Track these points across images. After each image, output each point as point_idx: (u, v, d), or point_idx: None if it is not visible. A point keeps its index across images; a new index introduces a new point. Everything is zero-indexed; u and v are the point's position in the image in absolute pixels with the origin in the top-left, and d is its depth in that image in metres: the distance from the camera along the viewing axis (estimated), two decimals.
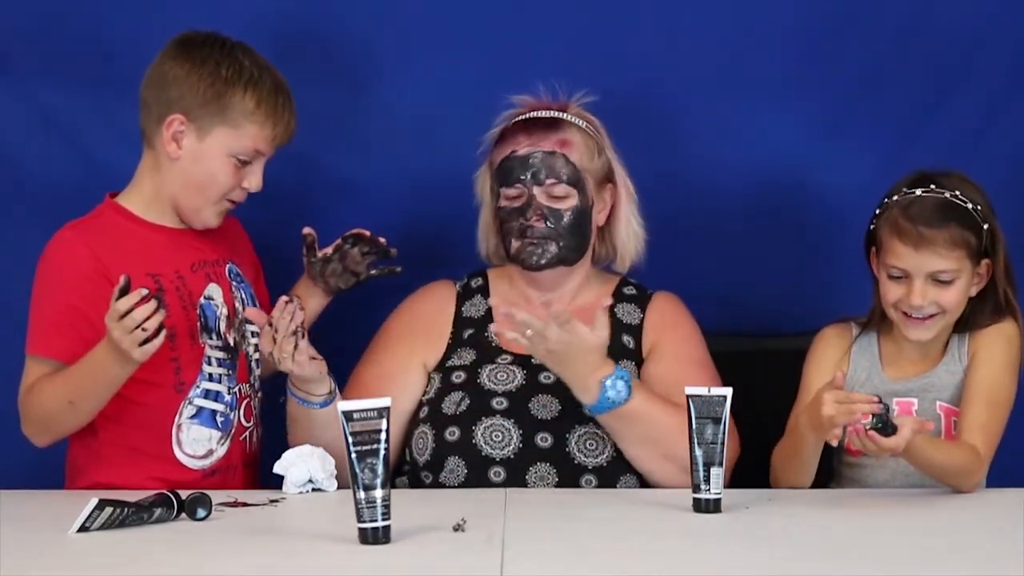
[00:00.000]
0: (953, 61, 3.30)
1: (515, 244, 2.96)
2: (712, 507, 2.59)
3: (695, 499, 2.60)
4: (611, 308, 3.00)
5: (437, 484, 2.88)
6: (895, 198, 2.84)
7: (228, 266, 2.98)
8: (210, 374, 2.89)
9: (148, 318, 2.70)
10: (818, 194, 3.33)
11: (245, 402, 2.95)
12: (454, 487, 2.87)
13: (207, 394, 2.90)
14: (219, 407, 2.91)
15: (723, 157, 3.34)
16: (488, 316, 2.99)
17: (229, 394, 2.92)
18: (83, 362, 2.78)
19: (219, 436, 2.90)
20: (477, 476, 2.86)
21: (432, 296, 3.06)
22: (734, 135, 3.33)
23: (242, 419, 2.94)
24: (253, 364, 2.98)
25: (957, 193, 2.81)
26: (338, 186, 3.31)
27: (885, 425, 2.59)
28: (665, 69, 3.32)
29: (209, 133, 2.86)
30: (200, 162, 2.87)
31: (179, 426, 2.88)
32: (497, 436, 2.87)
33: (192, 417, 2.89)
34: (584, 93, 3.02)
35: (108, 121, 3.22)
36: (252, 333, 2.96)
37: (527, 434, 2.87)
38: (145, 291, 2.72)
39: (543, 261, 2.95)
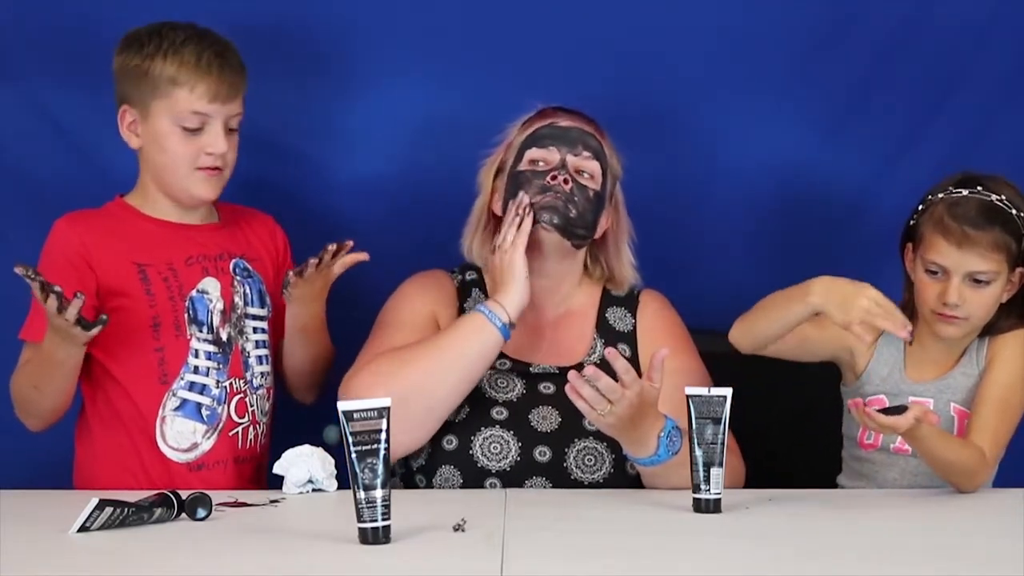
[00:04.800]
0: (953, 61, 3.30)
1: (533, 199, 2.88)
2: (712, 507, 2.59)
3: (695, 499, 2.60)
4: (600, 313, 2.99)
5: (430, 488, 2.87)
6: (940, 196, 2.85)
7: (235, 261, 2.97)
8: (196, 367, 2.89)
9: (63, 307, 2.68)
10: (818, 194, 3.33)
11: (237, 397, 2.93)
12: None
13: (192, 386, 2.90)
14: (204, 400, 2.90)
15: (724, 157, 3.34)
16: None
17: (217, 388, 2.91)
18: (40, 347, 2.82)
19: (204, 430, 2.90)
20: (471, 486, 2.84)
21: (434, 286, 2.99)
22: (735, 135, 3.33)
23: (232, 414, 2.93)
24: (252, 360, 2.97)
25: (1003, 197, 2.83)
26: (334, 186, 3.31)
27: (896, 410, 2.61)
28: (665, 68, 3.32)
29: (150, 112, 2.89)
30: (156, 142, 2.91)
31: (163, 418, 2.88)
32: (495, 448, 2.85)
33: (176, 409, 2.89)
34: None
35: (108, 121, 3.20)
36: (254, 329, 2.96)
37: (526, 447, 2.85)
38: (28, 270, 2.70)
39: (556, 220, 2.87)
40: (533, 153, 2.91)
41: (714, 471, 2.58)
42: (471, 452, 2.84)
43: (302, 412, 3.07)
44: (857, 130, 3.33)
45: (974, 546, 2.46)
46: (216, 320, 2.92)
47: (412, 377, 2.79)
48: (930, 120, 3.31)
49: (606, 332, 2.98)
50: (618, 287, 3.02)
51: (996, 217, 2.81)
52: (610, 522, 2.59)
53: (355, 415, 2.40)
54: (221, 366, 2.92)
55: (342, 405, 2.41)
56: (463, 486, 2.85)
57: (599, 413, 2.64)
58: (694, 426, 2.59)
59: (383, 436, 2.39)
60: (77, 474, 2.98)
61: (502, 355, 2.92)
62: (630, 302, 3.02)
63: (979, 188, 2.83)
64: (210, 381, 2.91)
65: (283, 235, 3.09)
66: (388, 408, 2.40)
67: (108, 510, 2.47)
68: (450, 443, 2.86)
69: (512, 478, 2.84)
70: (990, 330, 2.87)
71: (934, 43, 3.31)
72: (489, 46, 3.30)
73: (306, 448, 2.78)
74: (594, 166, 2.91)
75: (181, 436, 2.89)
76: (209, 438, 2.91)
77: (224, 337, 2.93)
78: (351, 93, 3.31)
